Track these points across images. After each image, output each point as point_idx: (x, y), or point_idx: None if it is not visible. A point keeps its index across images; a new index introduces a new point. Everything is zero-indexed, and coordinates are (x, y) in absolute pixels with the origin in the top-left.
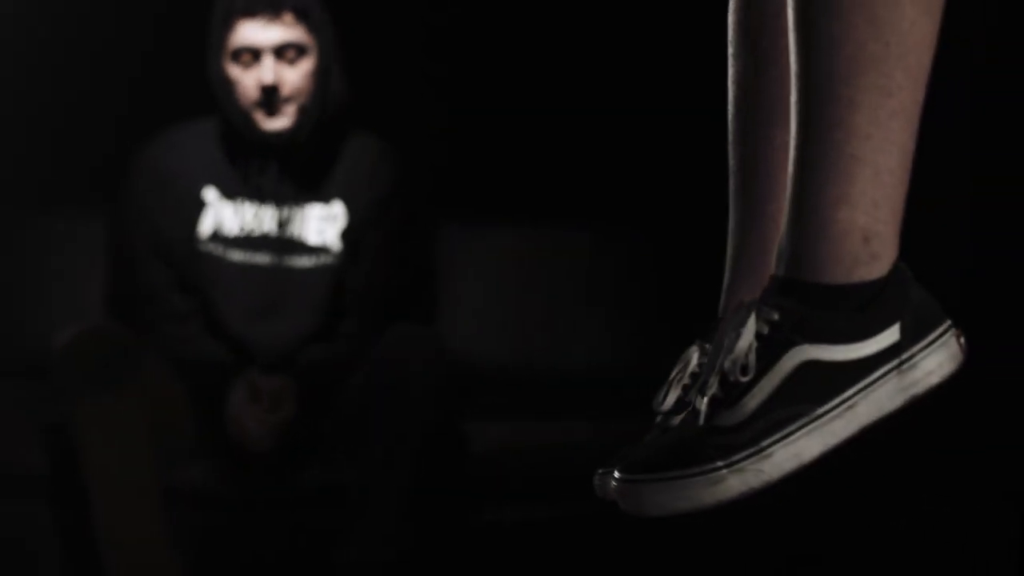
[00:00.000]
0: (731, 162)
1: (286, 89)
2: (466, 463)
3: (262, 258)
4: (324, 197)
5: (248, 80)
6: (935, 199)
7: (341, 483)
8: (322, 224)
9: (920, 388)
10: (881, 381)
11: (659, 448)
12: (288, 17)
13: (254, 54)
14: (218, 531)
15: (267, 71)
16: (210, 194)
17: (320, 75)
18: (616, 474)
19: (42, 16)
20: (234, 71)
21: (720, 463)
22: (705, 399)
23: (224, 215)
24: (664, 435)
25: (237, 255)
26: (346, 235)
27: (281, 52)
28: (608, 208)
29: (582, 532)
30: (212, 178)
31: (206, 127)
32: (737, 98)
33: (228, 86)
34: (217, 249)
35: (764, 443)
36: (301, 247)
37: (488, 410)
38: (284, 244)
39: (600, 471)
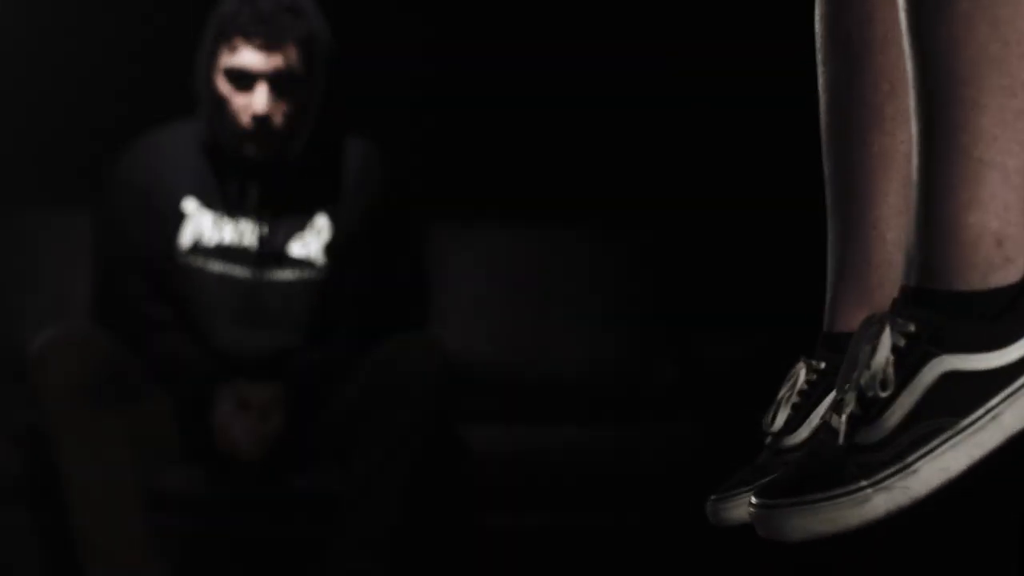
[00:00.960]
0: (826, 170)
1: (278, 119)
2: (460, 467)
3: (242, 271)
4: (308, 210)
5: (239, 102)
6: None
7: (333, 488)
8: (306, 237)
9: None
10: None
11: (797, 470)
12: (291, 47)
13: (249, 78)
14: (205, 536)
15: (260, 101)
16: (190, 205)
17: (317, 103)
18: (753, 500)
19: (29, 13)
20: (224, 88)
21: (864, 482)
22: (843, 417)
23: (204, 226)
24: (799, 456)
25: (217, 267)
26: (330, 249)
27: (278, 81)
28: (603, 208)
29: (577, 537)
30: (192, 188)
31: (186, 131)
32: (829, 105)
33: (217, 102)
34: (197, 261)
35: (909, 459)
36: (283, 260)
37: (479, 413)
38: (265, 257)
39: (713, 497)
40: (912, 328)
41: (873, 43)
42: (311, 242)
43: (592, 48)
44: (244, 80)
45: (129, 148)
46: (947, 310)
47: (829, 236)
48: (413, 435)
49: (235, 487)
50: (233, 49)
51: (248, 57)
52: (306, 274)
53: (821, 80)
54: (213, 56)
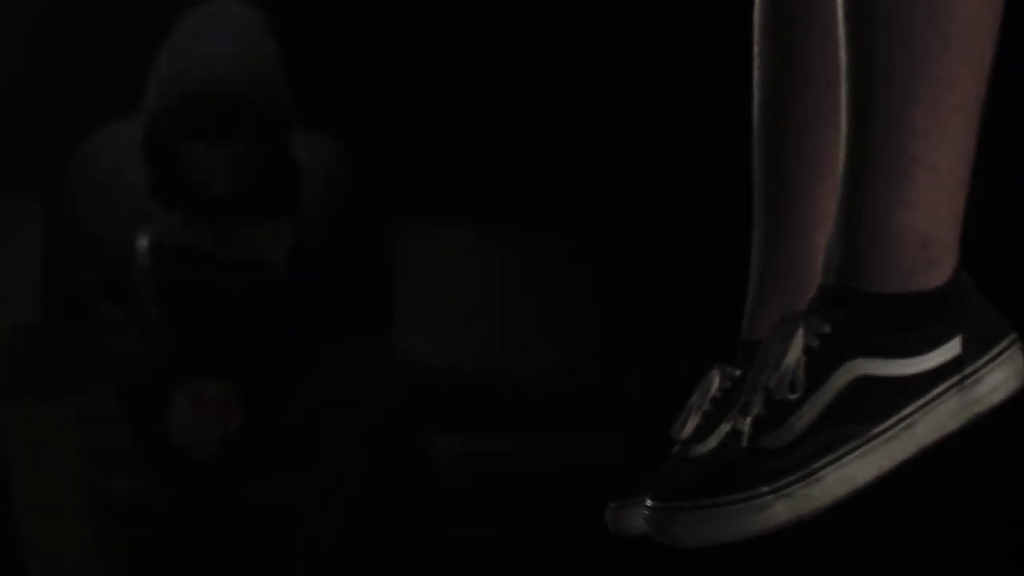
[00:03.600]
0: (756, 170)
1: (235, 182)
2: (420, 479)
3: (201, 276)
4: (270, 214)
5: (194, 171)
6: (1002, 203)
7: (288, 498)
8: (267, 242)
9: (984, 405)
10: (942, 398)
11: (697, 473)
12: (239, 140)
13: (201, 160)
14: (154, 545)
15: (217, 185)
16: (151, 205)
17: (275, 152)
18: (648, 502)
19: None
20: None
21: (766, 488)
22: (748, 419)
23: (164, 228)
24: (701, 459)
25: (175, 270)
26: (293, 254)
27: (230, 164)
28: (575, 212)
29: (543, 550)
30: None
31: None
32: (763, 101)
33: (168, 154)
34: (154, 263)
35: (814, 466)
36: (244, 265)
37: (445, 422)
38: (226, 262)
39: (613, 504)
40: (827, 328)
41: (811, 38)
42: (273, 247)
43: (563, 50)
44: (196, 158)
45: (90, 139)
46: (865, 311)
47: (754, 238)
48: (368, 443)
49: (190, 489)
50: (181, 142)
51: (197, 153)
52: (268, 279)
53: (756, 75)
54: (163, 125)
